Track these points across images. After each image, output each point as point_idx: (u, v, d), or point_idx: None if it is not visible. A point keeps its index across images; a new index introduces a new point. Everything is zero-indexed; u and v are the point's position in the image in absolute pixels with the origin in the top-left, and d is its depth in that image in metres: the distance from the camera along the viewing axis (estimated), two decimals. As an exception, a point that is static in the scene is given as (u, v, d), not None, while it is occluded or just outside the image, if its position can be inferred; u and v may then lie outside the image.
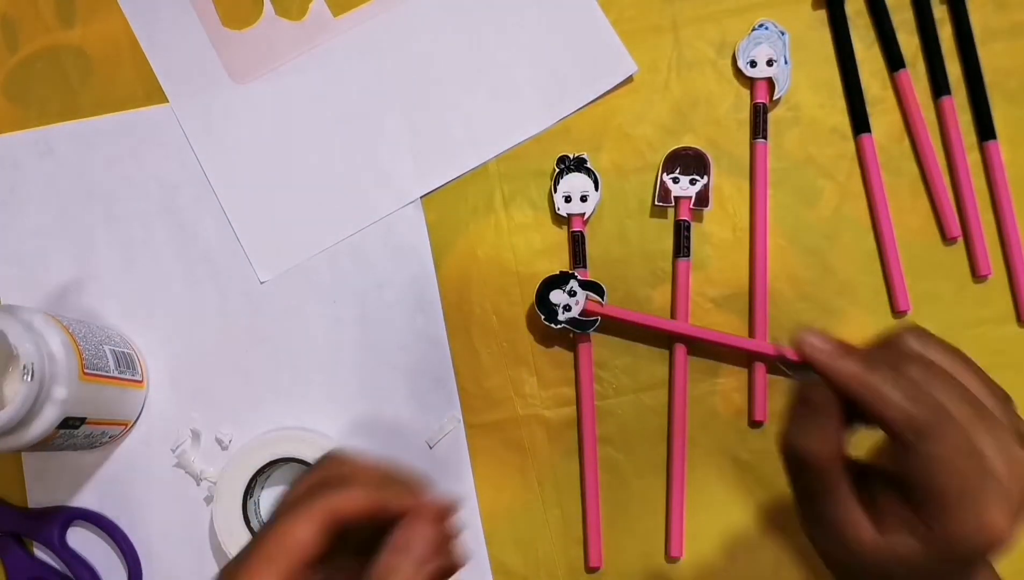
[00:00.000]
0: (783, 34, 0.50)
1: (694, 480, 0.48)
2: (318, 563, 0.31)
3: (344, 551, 0.32)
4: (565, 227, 0.50)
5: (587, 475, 0.48)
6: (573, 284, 0.46)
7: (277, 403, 0.50)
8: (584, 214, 0.50)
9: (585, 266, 0.49)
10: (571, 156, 0.50)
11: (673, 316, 0.49)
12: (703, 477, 0.48)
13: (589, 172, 0.50)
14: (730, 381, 0.49)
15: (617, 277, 0.49)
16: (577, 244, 0.50)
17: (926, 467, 0.31)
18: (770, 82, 0.50)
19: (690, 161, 0.49)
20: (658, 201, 0.49)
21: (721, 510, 0.48)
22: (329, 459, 0.35)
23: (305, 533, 0.31)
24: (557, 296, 0.47)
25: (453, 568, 0.33)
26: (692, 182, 0.47)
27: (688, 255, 0.49)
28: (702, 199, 0.49)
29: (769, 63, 0.50)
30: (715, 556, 0.48)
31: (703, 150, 0.49)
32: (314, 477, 0.34)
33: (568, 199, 0.50)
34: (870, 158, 0.50)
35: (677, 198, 0.49)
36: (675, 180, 0.47)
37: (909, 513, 0.31)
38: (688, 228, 0.49)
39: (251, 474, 0.47)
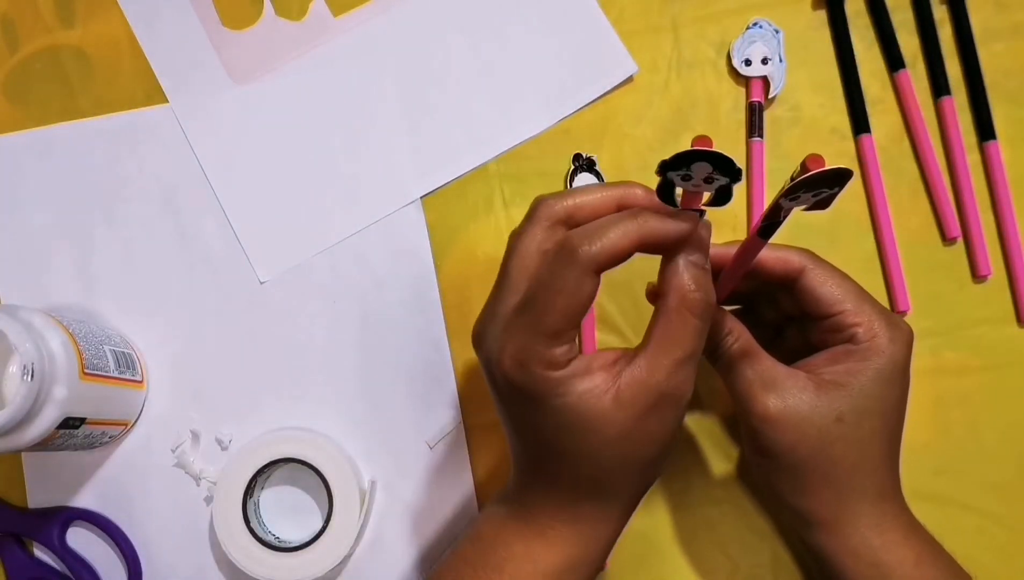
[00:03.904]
0: (777, 32, 0.50)
1: (694, 481, 0.48)
2: None
3: None
4: (565, 227, 0.50)
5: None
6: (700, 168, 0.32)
7: (277, 403, 0.50)
8: None
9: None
10: (584, 154, 0.50)
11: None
12: (703, 478, 0.48)
13: (598, 175, 0.50)
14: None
15: (619, 277, 0.49)
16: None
17: (824, 281, 0.40)
18: (765, 81, 0.50)
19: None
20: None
21: (721, 511, 0.48)
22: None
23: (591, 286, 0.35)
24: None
25: None
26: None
27: (688, 255, 0.49)
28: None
29: (764, 61, 0.50)
30: (716, 556, 0.48)
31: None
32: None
33: None
34: (870, 158, 0.50)
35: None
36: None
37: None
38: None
39: (251, 474, 0.47)
